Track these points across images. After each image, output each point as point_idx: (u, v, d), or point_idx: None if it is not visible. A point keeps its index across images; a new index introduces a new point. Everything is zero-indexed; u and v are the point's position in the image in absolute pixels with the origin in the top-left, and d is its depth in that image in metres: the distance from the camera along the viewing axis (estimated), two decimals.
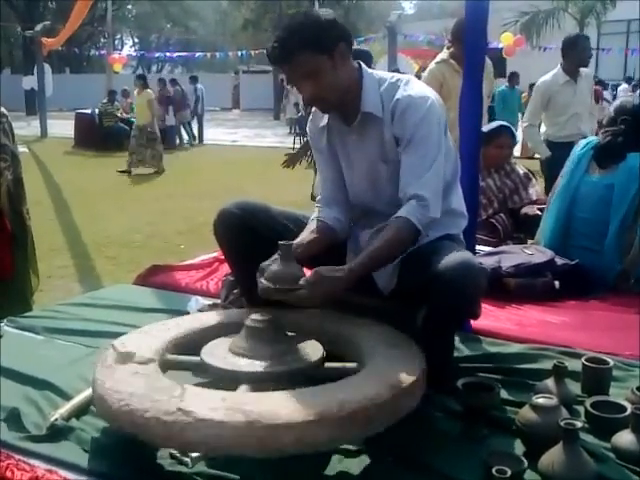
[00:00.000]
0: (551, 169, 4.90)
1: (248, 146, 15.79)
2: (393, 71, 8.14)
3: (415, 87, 2.08)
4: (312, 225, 2.18)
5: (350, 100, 2.07)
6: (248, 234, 2.09)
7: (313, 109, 2.23)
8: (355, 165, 2.16)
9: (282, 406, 1.51)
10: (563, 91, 5.13)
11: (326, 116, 2.17)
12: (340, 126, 2.15)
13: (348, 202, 2.24)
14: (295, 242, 2.03)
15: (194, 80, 17.50)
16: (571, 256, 3.18)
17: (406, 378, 1.65)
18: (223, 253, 2.32)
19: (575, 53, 5.09)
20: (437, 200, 2.00)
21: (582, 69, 5.24)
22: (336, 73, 1.99)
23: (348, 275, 1.86)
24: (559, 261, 3.16)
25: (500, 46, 14.30)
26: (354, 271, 1.87)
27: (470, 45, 2.64)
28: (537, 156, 5.99)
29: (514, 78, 12.04)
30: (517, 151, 10.03)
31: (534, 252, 3.21)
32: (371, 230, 2.15)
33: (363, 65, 2.12)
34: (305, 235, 2.14)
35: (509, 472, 1.53)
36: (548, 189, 4.46)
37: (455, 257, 1.89)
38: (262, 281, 1.89)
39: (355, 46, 2.41)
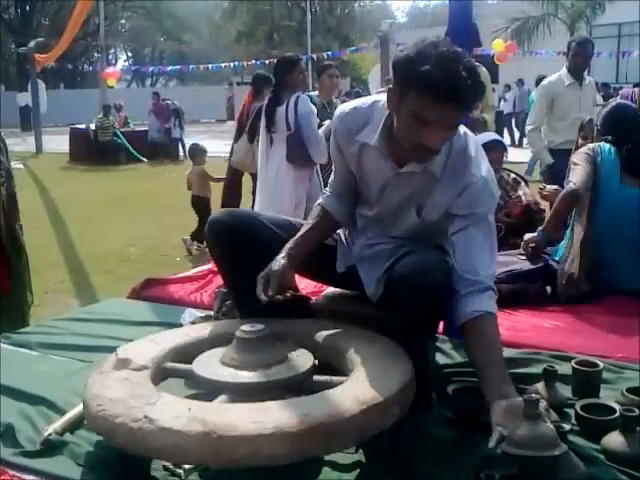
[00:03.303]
0: (551, 177, 4.88)
1: None
2: (387, 81, 8.13)
3: (484, 164, 1.98)
4: (314, 211, 2.21)
5: None
6: (238, 242, 2.08)
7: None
8: (387, 194, 2.06)
9: (242, 418, 1.51)
10: (567, 93, 5.12)
11: (373, 137, 1.97)
12: (385, 161, 1.99)
13: (354, 200, 2.19)
14: (291, 240, 2.07)
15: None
16: (616, 266, 3.08)
17: (380, 395, 1.63)
18: (214, 262, 2.33)
19: (576, 55, 5.10)
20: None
21: (587, 75, 5.27)
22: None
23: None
24: (553, 265, 3.19)
25: (491, 53, 14.35)
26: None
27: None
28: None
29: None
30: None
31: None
32: (367, 241, 2.14)
33: None
34: (303, 228, 2.16)
35: (497, 476, 1.54)
36: None
37: (413, 256, 1.89)
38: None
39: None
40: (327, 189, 2.26)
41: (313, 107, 4.86)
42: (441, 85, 1.71)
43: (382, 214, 2.10)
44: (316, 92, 5.66)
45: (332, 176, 2.26)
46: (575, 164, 3.22)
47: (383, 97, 1.96)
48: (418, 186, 1.99)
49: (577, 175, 3.15)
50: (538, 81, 11.04)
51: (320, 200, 2.24)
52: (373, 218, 2.13)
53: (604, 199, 3.11)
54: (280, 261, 2.01)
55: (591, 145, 3.27)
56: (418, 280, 1.80)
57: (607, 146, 3.21)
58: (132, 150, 15.46)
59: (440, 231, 2.03)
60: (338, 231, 2.28)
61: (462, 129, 1.97)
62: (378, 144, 1.96)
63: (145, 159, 15.33)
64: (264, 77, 6.35)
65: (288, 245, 2.07)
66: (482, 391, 1.76)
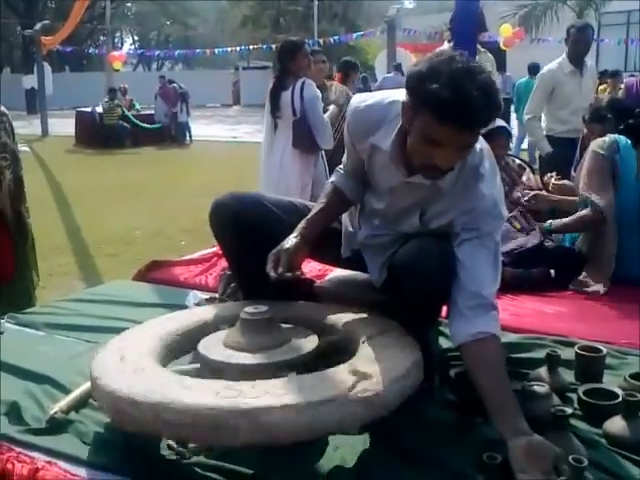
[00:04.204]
0: (550, 166, 4.83)
1: (250, 142, 15.80)
2: (395, 66, 8.06)
3: (495, 184, 1.93)
4: (326, 189, 2.19)
5: None
6: (242, 225, 2.08)
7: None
8: (394, 197, 2.02)
9: (318, 386, 1.56)
10: (568, 82, 5.00)
11: (386, 142, 1.91)
12: (396, 168, 1.93)
13: (364, 181, 2.14)
14: (303, 220, 2.06)
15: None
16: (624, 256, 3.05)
17: (387, 375, 1.64)
18: (219, 245, 2.34)
19: (575, 41, 4.99)
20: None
21: (588, 61, 5.18)
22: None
23: None
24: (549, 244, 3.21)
25: (498, 39, 14.26)
26: None
27: (460, 36, 2.66)
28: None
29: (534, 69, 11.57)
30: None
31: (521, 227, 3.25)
32: (372, 232, 2.13)
33: None
34: (315, 207, 2.14)
35: (499, 458, 1.55)
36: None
37: (414, 242, 1.88)
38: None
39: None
40: (340, 167, 2.22)
41: (318, 92, 4.85)
42: (448, 106, 1.63)
43: (388, 211, 2.08)
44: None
45: (345, 156, 2.21)
46: (590, 173, 3.12)
47: (401, 95, 1.85)
48: (424, 196, 1.95)
49: (602, 194, 3.05)
50: (530, 69, 10.97)
51: (332, 178, 2.21)
52: (380, 211, 2.12)
53: (623, 194, 3.09)
54: (292, 240, 2.00)
55: (607, 140, 3.17)
56: (418, 265, 1.79)
57: (623, 139, 3.14)
58: (142, 125, 15.58)
59: (443, 236, 1.97)
60: (343, 216, 2.27)
61: (479, 144, 1.88)
62: (390, 149, 1.90)
63: (150, 126, 15.40)
64: (350, 63, 6.60)
65: (301, 224, 2.05)
66: (490, 417, 1.69)
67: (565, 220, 3.24)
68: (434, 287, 1.81)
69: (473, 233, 1.86)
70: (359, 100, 2.04)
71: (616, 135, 3.18)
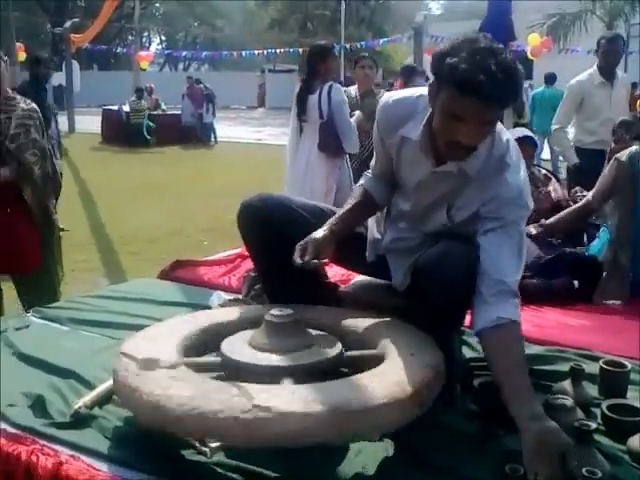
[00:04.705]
0: (578, 177, 4.81)
1: (274, 144, 15.84)
2: (420, 72, 8.17)
3: (521, 174, 1.95)
4: (356, 192, 2.22)
5: None
6: (269, 228, 2.09)
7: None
8: (420, 192, 2.05)
9: (350, 393, 1.56)
10: (597, 93, 4.96)
11: (416, 132, 1.94)
12: (425, 158, 1.96)
13: (393, 185, 2.18)
14: (333, 217, 2.08)
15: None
16: None
17: (411, 384, 1.64)
18: (245, 246, 2.33)
19: (606, 52, 4.95)
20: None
21: (619, 72, 5.13)
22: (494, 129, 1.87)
23: None
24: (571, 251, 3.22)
25: (526, 48, 14.19)
26: None
27: None
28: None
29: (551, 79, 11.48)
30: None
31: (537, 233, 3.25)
32: (397, 235, 2.15)
33: None
34: (344, 207, 2.17)
35: (522, 470, 1.54)
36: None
37: (439, 246, 1.88)
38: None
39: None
40: (368, 171, 2.25)
41: (345, 96, 4.86)
42: (466, 77, 1.67)
43: (415, 210, 2.09)
44: (355, 86, 5.61)
45: (373, 159, 2.24)
46: (603, 176, 3.22)
47: None
48: (451, 187, 1.97)
49: (596, 188, 3.21)
50: (547, 79, 10.86)
51: (362, 181, 2.24)
52: (407, 212, 2.12)
53: None
54: (321, 232, 2.01)
55: (632, 149, 3.16)
56: (443, 268, 1.80)
57: None
58: (144, 131, 15.52)
59: (469, 234, 1.98)
60: (369, 221, 2.28)
61: (505, 135, 1.94)
62: (420, 139, 1.93)
63: (148, 137, 15.31)
64: (411, 67, 6.79)
65: (330, 221, 2.07)
66: (505, 402, 1.69)
67: (560, 215, 3.33)
68: (458, 292, 1.82)
69: (497, 222, 1.87)
70: (388, 96, 2.10)
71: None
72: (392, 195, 2.18)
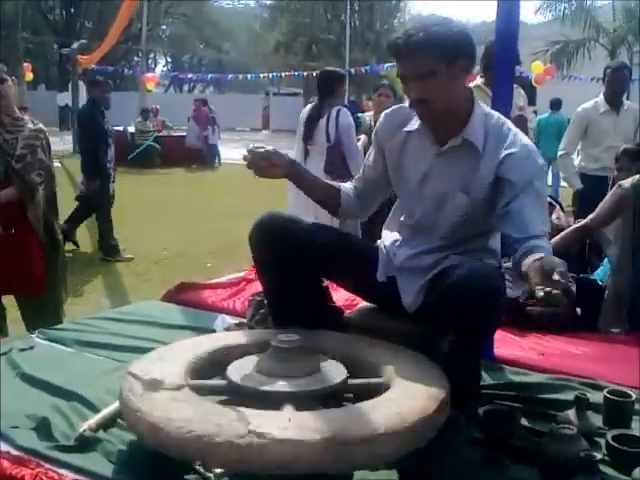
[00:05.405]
0: (582, 203, 4.84)
1: None
2: None
3: (526, 139, 2.09)
4: (332, 183, 2.43)
5: (454, 120, 2.06)
6: (275, 250, 2.10)
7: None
8: (428, 185, 2.14)
9: (348, 421, 1.56)
10: (602, 120, 5.03)
11: (416, 123, 2.13)
12: (429, 139, 2.12)
13: (369, 204, 2.40)
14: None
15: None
16: None
17: (416, 413, 1.65)
18: (255, 263, 2.30)
19: (612, 81, 5.01)
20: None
21: (627, 102, 5.19)
22: (449, 84, 2.00)
23: None
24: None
25: (530, 75, 14.30)
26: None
27: (499, 72, 2.66)
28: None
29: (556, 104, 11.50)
30: None
31: None
32: (411, 251, 2.17)
33: (475, 95, 2.13)
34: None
35: None
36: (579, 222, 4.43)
37: (467, 266, 1.90)
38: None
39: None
40: (351, 182, 2.41)
41: (352, 120, 4.90)
42: (389, 43, 2.02)
43: (424, 217, 2.15)
44: (370, 113, 5.66)
45: (359, 173, 2.40)
46: (604, 202, 3.25)
47: None
48: (462, 164, 2.06)
49: (596, 212, 3.25)
50: (552, 104, 10.86)
51: (342, 184, 2.39)
52: (416, 226, 2.17)
53: None
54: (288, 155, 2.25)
55: (637, 177, 3.19)
56: (476, 284, 1.81)
57: None
58: (136, 150, 15.45)
59: (486, 224, 2.10)
60: (380, 240, 2.32)
61: (497, 114, 2.12)
62: (420, 127, 2.11)
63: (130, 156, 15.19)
64: None
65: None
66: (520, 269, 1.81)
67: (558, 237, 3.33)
68: (491, 305, 1.86)
69: (516, 189, 1.96)
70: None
71: None
72: (366, 210, 2.39)
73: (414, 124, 2.14)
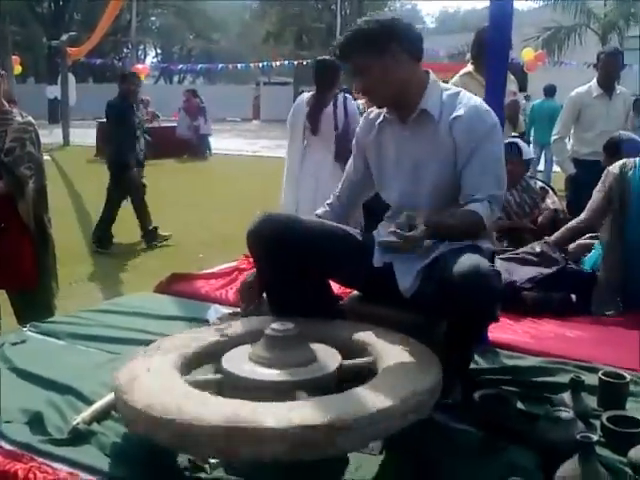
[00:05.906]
0: (574, 187, 4.87)
1: (269, 157, 15.85)
2: None
3: (479, 101, 2.23)
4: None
5: (408, 98, 2.20)
6: (275, 248, 2.10)
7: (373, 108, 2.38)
8: (402, 160, 2.26)
9: (339, 405, 1.57)
10: (594, 105, 5.06)
11: (383, 113, 2.30)
12: (395, 122, 2.28)
13: (354, 206, 2.54)
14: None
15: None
16: None
17: (407, 393, 1.65)
18: (256, 267, 2.32)
19: (605, 66, 5.05)
20: (501, 201, 2.19)
21: (619, 87, 5.20)
22: (387, 70, 2.13)
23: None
24: (574, 268, 3.21)
25: (521, 62, 14.27)
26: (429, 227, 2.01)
27: (493, 59, 2.65)
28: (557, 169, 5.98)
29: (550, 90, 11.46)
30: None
31: (541, 250, 3.26)
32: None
33: (431, 73, 2.26)
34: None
35: None
36: (570, 206, 4.43)
37: (466, 261, 1.91)
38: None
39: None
40: (324, 206, 2.51)
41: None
42: (333, 49, 2.25)
43: (404, 194, 2.25)
44: (363, 100, 5.62)
45: (341, 182, 2.54)
46: (595, 191, 3.26)
47: None
48: (424, 134, 2.19)
49: (588, 209, 3.28)
50: (546, 90, 10.83)
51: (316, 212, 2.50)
52: (400, 206, 2.22)
53: (635, 216, 3.09)
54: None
55: (628, 161, 3.19)
56: (478, 281, 1.85)
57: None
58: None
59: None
60: (376, 230, 2.36)
61: (455, 88, 2.29)
62: (385, 114, 2.29)
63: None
64: None
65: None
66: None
67: (557, 235, 3.41)
68: (490, 301, 1.92)
69: (466, 152, 2.12)
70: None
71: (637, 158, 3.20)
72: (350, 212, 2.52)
73: (382, 115, 2.31)
